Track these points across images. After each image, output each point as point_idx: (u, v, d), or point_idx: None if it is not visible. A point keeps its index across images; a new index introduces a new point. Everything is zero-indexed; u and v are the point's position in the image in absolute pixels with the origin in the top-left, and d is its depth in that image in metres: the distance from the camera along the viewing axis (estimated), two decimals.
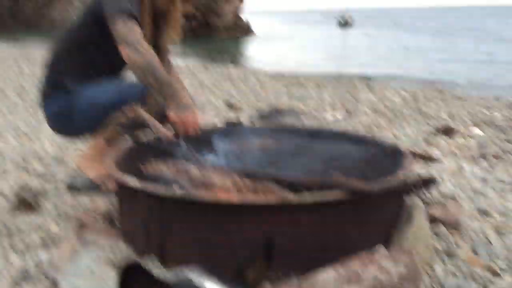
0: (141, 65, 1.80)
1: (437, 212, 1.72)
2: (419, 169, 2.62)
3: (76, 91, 2.06)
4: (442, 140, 3.35)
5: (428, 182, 1.38)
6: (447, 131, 3.55)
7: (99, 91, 2.05)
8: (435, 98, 5.37)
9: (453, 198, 2.10)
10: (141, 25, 1.91)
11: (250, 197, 1.37)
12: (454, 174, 2.57)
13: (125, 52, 1.81)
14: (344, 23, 49.32)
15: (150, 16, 2.05)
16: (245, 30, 28.76)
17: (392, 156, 1.67)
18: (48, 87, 2.15)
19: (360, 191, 1.26)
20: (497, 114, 4.29)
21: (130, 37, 1.80)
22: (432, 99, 5.24)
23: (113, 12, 1.84)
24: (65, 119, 2.11)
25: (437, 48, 18.28)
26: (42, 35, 25.86)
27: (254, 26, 28.99)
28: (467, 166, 2.71)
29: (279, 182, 1.47)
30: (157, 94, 1.84)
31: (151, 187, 1.36)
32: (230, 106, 4.72)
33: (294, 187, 1.42)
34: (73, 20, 2.20)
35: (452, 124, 3.82)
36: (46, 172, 2.60)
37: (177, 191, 1.35)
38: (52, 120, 2.18)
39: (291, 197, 1.27)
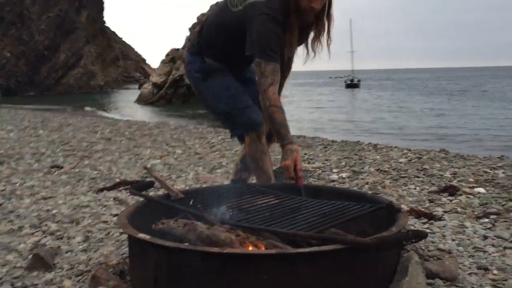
0: (264, 109, 2.27)
1: (434, 266, 1.78)
2: (420, 226, 2.68)
3: (212, 71, 2.54)
4: (446, 199, 3.41)
5: (420, 236, 1.47)
6: (451, 190, 3.62)
7: (224, 100, 2.54)
8: (439, 158, 5.47)
9: (451, 253, 2.16)
10: (288, 37, 2.31)
11: (252, 249, 1.47)
12: (456, 232, 2.63)
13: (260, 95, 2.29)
14: (351, 85, 50.43)
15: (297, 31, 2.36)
16: None
17: (387, 212, 1.77)
18: (194, 48, 2.63)
19: (354, 244, 1.36)
20: (500, 173, 4.36)
21: (264, 83, 2.26)
22: (436, 159, 5.34)
23: (258, 51, 2.26)
24: (197, 84, 2.65)
25: (441, 109, 18.56)
26: (59, 100, 26.70)
27: None
28: (468, 224, 2.77)
29: (280, 236, 1.57)
30: (275, 131, 2.31)
31: (160, 241, 1.47)
32: None
33: (294, 241, 1.51)
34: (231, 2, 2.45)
35: (455, 183, 3.89)
36: (60, 231, 2.71)
37: (184, 244, 1.45)
38: (188, 75, 2.73)
39: (290, 249, 1.37)
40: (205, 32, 2.59)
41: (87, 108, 20.89)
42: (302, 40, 2.50)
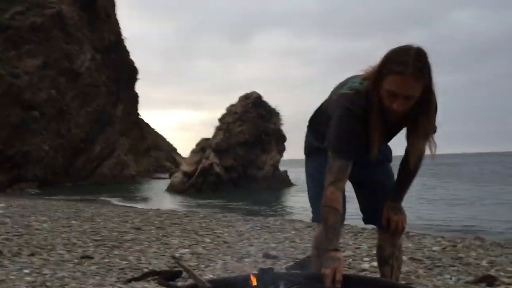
0: (323, 204, 2.24)
1: None
2: None
3: (314, 149, 2.65)
4: None
5: None
6: (488, 280, 3.48)
7: (315, 182, 2.61)
8: (475, 246, 5.30)
9: None
10: (372, 133, 2.24)
11: None
12: None
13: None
14: None
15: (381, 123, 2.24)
16: (284, 181, 29.46)
17: None
18: (308, 123, 2.74)
19: None
20: None
21: (327, 179, 2.26)
22: (471, 247, 5.17)
23: (330, 145, 2.30)
24: (305, 158, 2.77)
25: (474, 196, 18.12)
26: (92, 190, 27.31)
27: (292, 176, 29.59)
28: None
29: None
30: (324, 233, 2.26)
31: None
32: (268, 256, 4.79)
33: None
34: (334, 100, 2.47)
35: (493, 273, 3.75)
36: None
37: None
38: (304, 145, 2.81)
39: None
40: (313, 115, 2.70)
41: (117, 200, 21.21)
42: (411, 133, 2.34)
